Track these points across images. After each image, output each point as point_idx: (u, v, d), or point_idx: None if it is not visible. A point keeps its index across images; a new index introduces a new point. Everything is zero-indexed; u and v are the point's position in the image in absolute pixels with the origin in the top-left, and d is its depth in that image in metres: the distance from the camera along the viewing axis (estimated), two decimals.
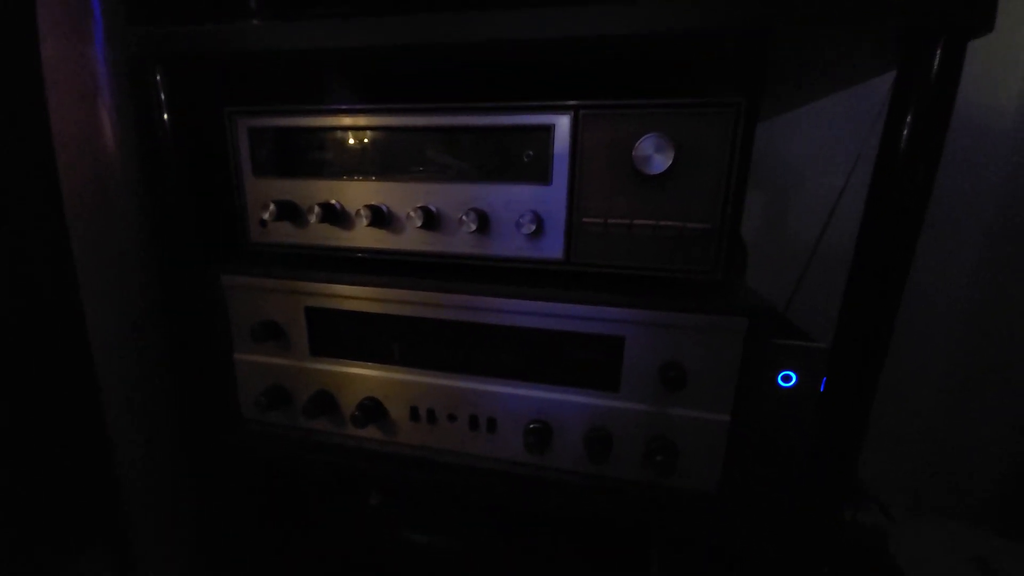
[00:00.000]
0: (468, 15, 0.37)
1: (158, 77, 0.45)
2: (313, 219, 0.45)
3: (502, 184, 0.42)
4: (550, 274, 0.44)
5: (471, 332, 0.45)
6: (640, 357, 0.41)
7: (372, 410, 0.48)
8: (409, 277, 0.45)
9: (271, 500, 0.67)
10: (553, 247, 0.42)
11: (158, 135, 0.47)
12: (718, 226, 0.39)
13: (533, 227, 0.41)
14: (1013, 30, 0.70)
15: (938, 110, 0.32)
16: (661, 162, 0.38)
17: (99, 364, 0.52)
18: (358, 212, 0.44)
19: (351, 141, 0.46)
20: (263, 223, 0.48)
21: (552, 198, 0.41)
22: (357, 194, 0.45)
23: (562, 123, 0.40)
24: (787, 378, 0.44)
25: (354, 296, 0.46)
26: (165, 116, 0.46)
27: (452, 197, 0.43)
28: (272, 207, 0.46)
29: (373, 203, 0.45)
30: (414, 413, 0.48)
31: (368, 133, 0.45)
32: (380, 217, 0.44)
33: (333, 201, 0.46)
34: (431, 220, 0.43)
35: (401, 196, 0.44)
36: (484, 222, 0.42)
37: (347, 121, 0.45)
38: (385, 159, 0.45)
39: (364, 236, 0.46)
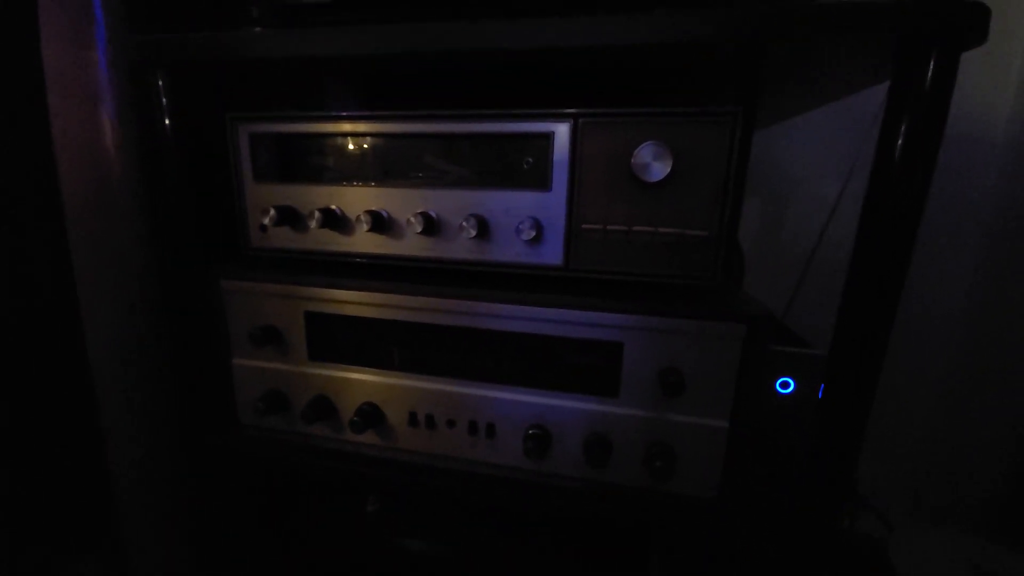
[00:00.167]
0: (466, 24, 0.38)
1: (160, 82, 0.45)
2: (313, 224, 0.45)
3: (502, 190, 0.42)
4: (549, 280, 0.44)
5: (470, 337, 0.45)
6: (639, 363, 0.42)
7: (371, 415, 0.48)
8: (409, 282, 0.45)
9: (268, 506, 0.67)
10: (552, 253, 0.42)
11: (159, 140, 0.47)
12: (716, 233, 0.39)
13: (533, 233, 0.41)
14: (1005, 41, 0.71)
15: (932, 119, 0.33)
16: (659, 169, 0.38)
17: (97, 368, 0.52)
18: (358, 217, 0.44)
19: (351, 147, 0.46)
20: (263, 228, 0.48)
21: (551, 204, 0.41)
22: (357, 200, 0.46)
23: (561, 131, 0.40)
24: (785, 384, 0.44)
25: (353, 301, 0.46)
26: (166, 121, 0.46)
27: (452, 203, 0.43)
28: (272, 212, 0.46)
29: (373, 209, 0.45)
30: (413, 418, 0.47)
31: (368, 139, 0.45)
32: (380, 222, 0.45)
33: (333, 206, 0.46)
34: (431, 226, 0.43)
35: (401, 202, 0.45)
36: (484, 228, 0.43)
37: (347, 127, 0.45)
38: (385, 165, 0.45)
39: (364, 241, 0.46)
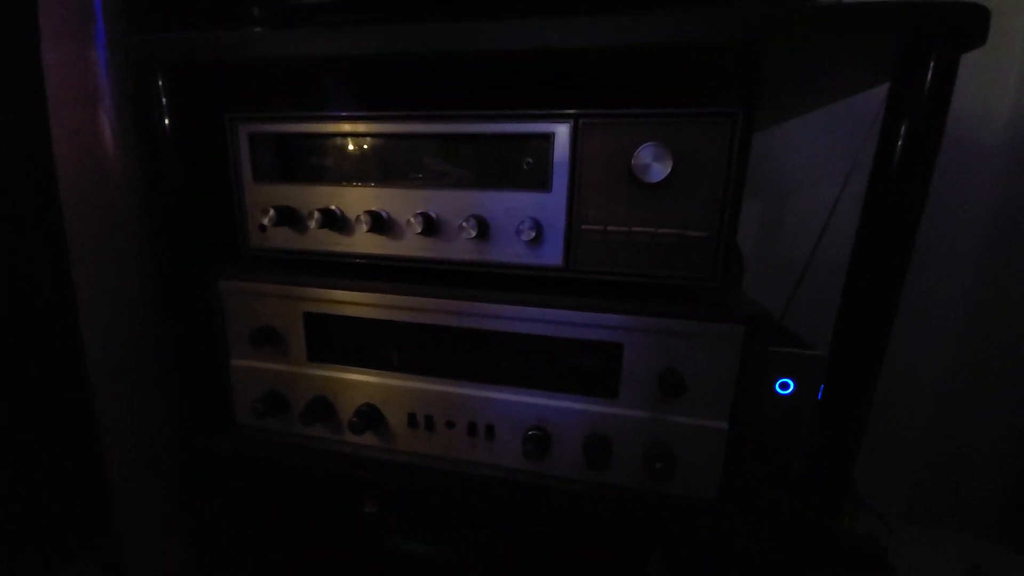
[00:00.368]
0: (466, 25, 0.38)
1: (159, 82, 0.45)
2: (313, 224, 0.45)
3: (502, 191, 0.42)
4: (549, 281, 0.44)
5: (470, 338, 0.45)
6: (639, 364, 0.41)
7: (370, 417, 0.47)
8: (408, 283, 0.45)
9: (267, 507, 0.67)
10: (552, 254, 0.42)
11: (158, 140, 0.47)
12: (715, 234, 0.39)
13: (533, 234, 0.41)
14: (1004, 42, 0.71)
15: (932, 120, 0.33)
16: (660, 170, 0.38)
17: (95, 368, 0.52)
18: (358, 218, 0.44)
19: (351, 147, 0.46)
20: (263, 228, 0.48)
21: (552, 205, 0.41)
22: (357, 200, 0.46)
23: (562, 131, 0.40)
24: (785, 385, 0.44)
25: (353, 302, 0.46)
26: (166, 121, 0.46)
27: (452, 204, 0.43)
28: (272, 212, 0.46)
29: (373, 209, 0.45)
30: (412, 420, 0.47)
31: (368, 140, 0.45)
32: (380, 223, 0.44)
33: (333, 207, 0.46)
34: (431, 226, 0.43)
35: (401, 202, 0.45)
36: (484, 229, 0.43)
37: (347, 128, 0.45)
38: (385, 165, 0.45)
39: (364, 242, 0.46)
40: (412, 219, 0.43)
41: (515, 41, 0.37)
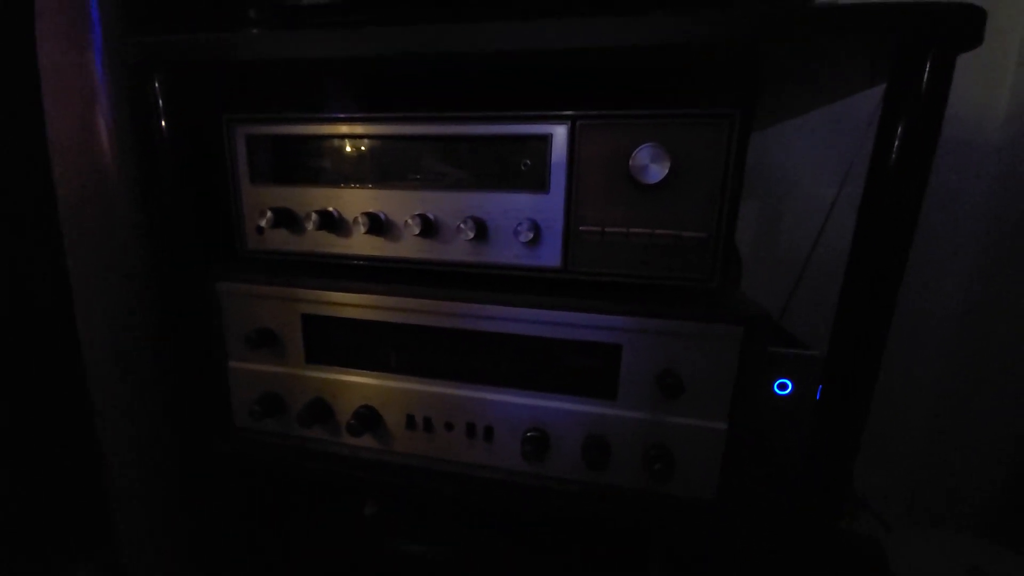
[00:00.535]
0: (464, 26, 0.37)
1: (156, 84, 0.45)
2: (310, 226, 0.45)
3: (500, 192, 0.42)
4: (547, 282, 0.44)
5: (468, 340, 0.45)
6: (637, 365, 0.41)
7: (368, 418, 0.47)
8: (406, 285, 0.45)
9: (266, 508, 0.67)
10: (550, 255, 0.42)
11: (155, 141, 0.46)
12: (713, 235, 0.39)
13: (531, 235, 0.41)
14: (999, 43, 0.71)
15: (928, 121, 0.33)
16: (657, 171, 0.38)
17: (93, 370, 0.52)
18: (356, 220, 0.44)
19: (349, 149, 0.46)
20: (260, 230, 0.48)
21: (549, 206, 0.41)
22: (355, 202, 0.45)
23: (560, 133, 0.40)
24: (783, 386, 0.44)
25: (351, 303, 0.46)
26: (163, 123, 0.46)
27: (450, 205, 0.43)
28: (269, 214, 0.46)
29: (371, 211, 0.45)
30: (410, 421, 0.47)
31: (366, 141, 0.45)
32: (378, 225, 0.44)
33: (330, 208, 0.46)
34: (429, 228, 0.43)
35: (399, 204, 0.44)
36: (482, 230, 0.43)
37: (345, 129, 0.45)
38: (383, 167, 0.45)
39: (361, 243, 0.46)
40: (410, 220, 0.43)
41: (514, 42, 0.37)
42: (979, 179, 0.76)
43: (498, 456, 0.46)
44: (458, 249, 0.44)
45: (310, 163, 0.47)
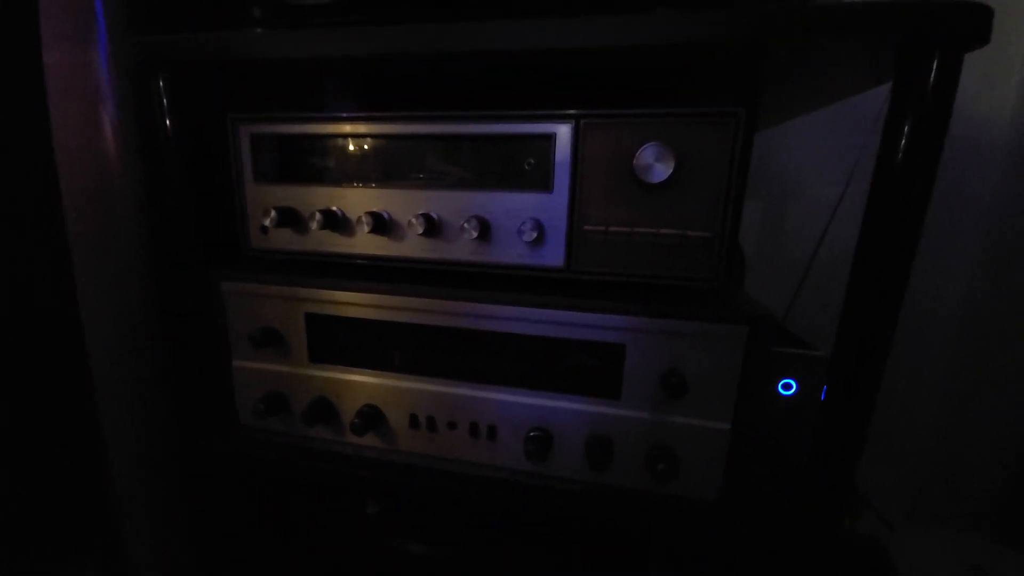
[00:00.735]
0: (467, 25, 0.37)
1: (160, 83, 0.45)
2: (314, 226, 0.45)
3: (504, 192, 0.42)
4: (551, 282, 0.44)
5: (472, 339, 0.45)
6: (641, 365, 0.41)
7: (371, 417, 0.47)
8: (410, 284, 0.45)
9: (268, 507, 0.67)
10: (554, 255, 0.42)
11: (160, 141, 0.47)
12: (718, 234, 0.39)
13: (534, 235, 0.41)
14: (1007, 42, 0.71)
15: (935, 120, 0.33)
16: (661, 171, 0.38)
17: (96, 369, 0.52)
18: (359, 219, 0.44)
19: (352, 148, 0.46)
20: (264, 229, 0.48)
21: (553, 206, 0.41)
22: (358, 201, 0.45)
23: (563, 132, 0.40)
24: (787, 386, 0.44)
25: (354, 303, 0.46)
26: (167, 122, 0.46)
27: (453, 204, 0.43)
28: (273, 213, 0.46)
29: (374, 210, 0.45)
30: (414, 421, 0.47)
31: (369, 140, 0.45)
32: (381, 224, 0.44)
33: (334, 208, 0.46)
34: (432, 227, 0.43)
35: (402, 203, 0.44)
36: (485, 229, 0.42)
37: (348, 128, 0.45)
38: (386, 166, 0.45)
39: (365, 243, 0.46)
40: (413, 220, 0.43)
41: (515, 41, 0.37)
42: (985, 178, 0.75)
43: (501, 456, 0.46)
44: (462, 248, 0.44)
45: (314, 162, 0.47)
